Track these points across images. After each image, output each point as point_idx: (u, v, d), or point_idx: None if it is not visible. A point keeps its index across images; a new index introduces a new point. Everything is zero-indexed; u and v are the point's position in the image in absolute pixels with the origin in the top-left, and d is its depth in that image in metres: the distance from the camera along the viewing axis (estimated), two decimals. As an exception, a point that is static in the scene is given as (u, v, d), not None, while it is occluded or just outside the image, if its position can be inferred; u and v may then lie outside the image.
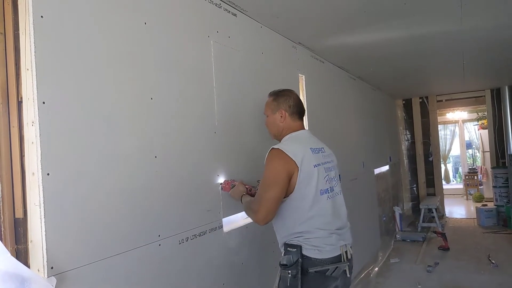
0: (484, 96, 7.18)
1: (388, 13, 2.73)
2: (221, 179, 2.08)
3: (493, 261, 4.66)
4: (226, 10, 2.27)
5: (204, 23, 2.08)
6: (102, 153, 1.42)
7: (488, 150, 7.61)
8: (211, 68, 2.09)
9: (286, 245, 1.77)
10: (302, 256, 1.72)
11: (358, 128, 4.71)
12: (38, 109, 1.21)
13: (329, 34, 3.12)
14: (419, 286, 4.08)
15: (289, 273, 1.70)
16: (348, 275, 1.80)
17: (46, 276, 1.19)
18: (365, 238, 4.53)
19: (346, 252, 1.79)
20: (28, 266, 1.20)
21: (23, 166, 1.23)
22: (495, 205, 6.86)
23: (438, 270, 4.56)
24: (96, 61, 1.43)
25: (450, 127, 10.57)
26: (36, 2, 1.23)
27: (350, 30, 3.04)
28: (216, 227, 2.02)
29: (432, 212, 6.46)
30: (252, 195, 1.98)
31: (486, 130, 7.67)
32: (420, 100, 7.60)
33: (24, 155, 1.23)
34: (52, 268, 1.21)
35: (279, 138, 1.97)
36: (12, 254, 1.17)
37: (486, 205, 7.39)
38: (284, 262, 1.73)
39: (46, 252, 1.20)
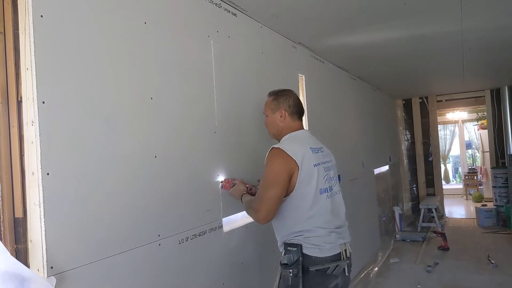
0: (484, 96, 7.19)
1: (388, 13, 2.73)
2: (221, 178, 2.08)
3: (492, 261, 4.66)
4: (226, 10, 2.27)
5: (204, 23, 2.08)
6: (102, 153, 1.42)
7: (488, 150, 7.62)
8: (211, 68, 2.09)
9: (286, 244, 1.78)
10: (303, 255, 1.72)
11: (358, 128, 4.71)
12: (38, 108, 1.21)
13: (329, 34, 3.12)
14: (419, 286, 4.08)
15: (290, 272, 1.70)
16: (347, 274, 1.81)
17: (46, 276, 1.19)
18: (365, 238, 4.54)
19: (345, 250, 1.81)
20: (28, 266, 1.20)
21: (23, 166, 1.23)
22: (495, 205, 6.86)
23: (437, 270, 4.56)
24: (96, 60, 1.43)
25: (450, 127, 10.57)
26: (36, 1, 1.23)
27: (350, 30, 3.04)
28: (216, 227, 2.02)
29: (432, 212, 6.45)
30: (252, 195, 1.99)
31: (486, 130, 7.68)
32: (420, 100, 7.60)
33: (24, 155, 1.23)
34: (52, 267, 1.21)
35: (278, 137, 1.97)
36: (12, 254, 1.17)
37: (485, 205, 7.38)
38: (285, 262, 1.74)
39: (46, 251, 1.20)
